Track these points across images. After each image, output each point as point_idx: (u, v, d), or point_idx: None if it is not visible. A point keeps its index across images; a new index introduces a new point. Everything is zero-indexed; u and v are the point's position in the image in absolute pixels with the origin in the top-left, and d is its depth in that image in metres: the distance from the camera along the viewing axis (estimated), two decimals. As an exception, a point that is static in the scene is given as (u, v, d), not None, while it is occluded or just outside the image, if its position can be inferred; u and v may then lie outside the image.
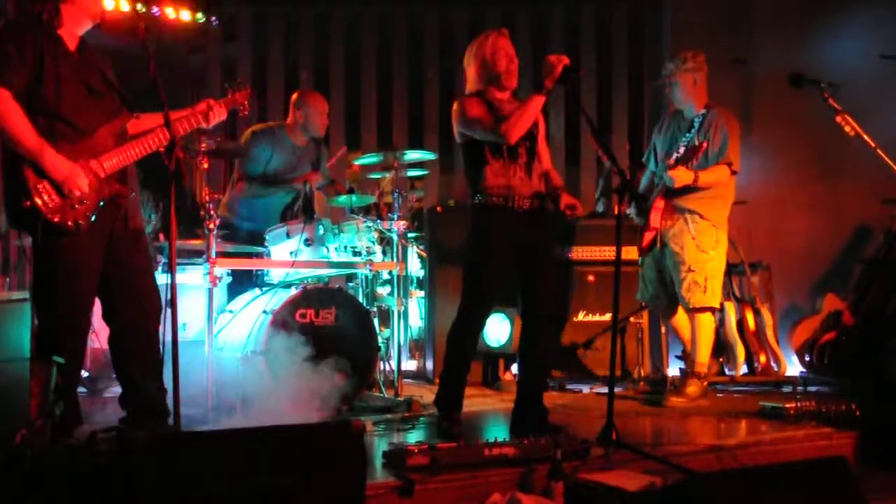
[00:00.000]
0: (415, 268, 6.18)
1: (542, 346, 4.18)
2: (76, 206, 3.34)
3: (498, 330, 5.76)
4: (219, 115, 3.71)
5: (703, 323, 5.05)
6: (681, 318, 5.22)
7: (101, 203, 3.41)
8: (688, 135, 5.01)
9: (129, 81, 3.71)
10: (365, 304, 4.99)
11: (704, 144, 4.88)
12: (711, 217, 4.99)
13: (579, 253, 5.89)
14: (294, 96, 5.60)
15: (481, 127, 4.02)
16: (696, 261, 4.95)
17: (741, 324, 5.97)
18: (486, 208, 4.05)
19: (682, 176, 4.86)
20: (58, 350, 3.28)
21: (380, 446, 3.57)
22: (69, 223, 3.33)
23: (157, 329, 3.68)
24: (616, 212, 4.02)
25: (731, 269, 6.24)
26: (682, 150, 4.97)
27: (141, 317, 3.60)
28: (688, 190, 4.91)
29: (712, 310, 5.09)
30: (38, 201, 3.28)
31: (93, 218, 3.38)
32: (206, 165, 4.52)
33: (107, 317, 3.64)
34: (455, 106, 4.13)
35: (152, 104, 3.47)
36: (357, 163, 5.93)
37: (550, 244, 4.19)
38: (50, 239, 3.35)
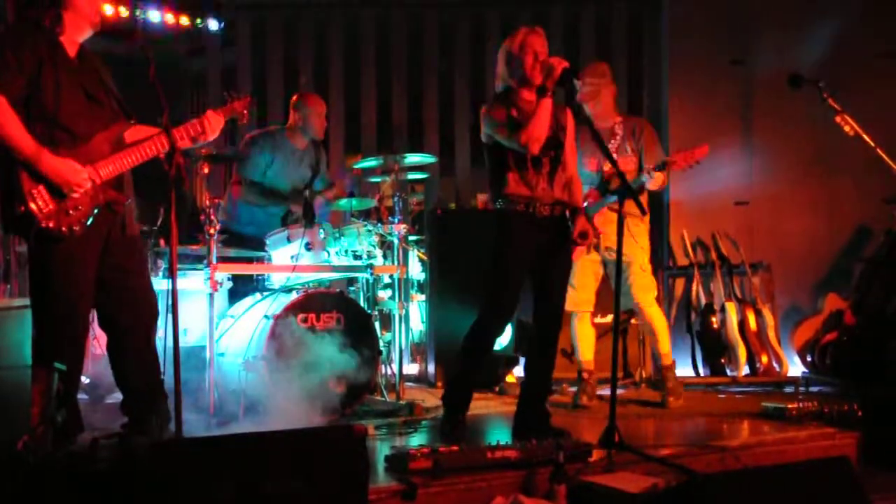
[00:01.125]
0: (416, 271, 6.18)
1: (552, 349, 4.20)
2: (71, 211, 3.33)
3: (499, 332, 5.76)
4: (217, 124, 3.70)
5: (660, 314, 5.16)
6: (584, 325, 5.22)
7: (96, 209, 3.40)
8: (612, 142, 5.04)
9: (127, 87, 3.70)
10: (366, 308, 4.99)
11: (706, 148, 4.87)
12: (644, 219, 5.09)
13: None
14: (293, 99, 5.61)
15: (506, 135, 4.00)
16: (643, 261, 5.09)
17: (742, 324, 5.97)
18: (507, 215, 4.05)
19: (661, 180, 4.92)
20: (57, 356, 3.28)
21: (382, 450, 3.57)
22: (63, 229, 3.32)
23: (155, 334, 3.68)
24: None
25: (733, 270, 6.26)
26: (623, 152, 5.01)
27: (139, 322, 3.60)
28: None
29: None
30: (33, 207, 3.27)
31: (88, 223, 3.38)
32: (206, 170, 4.53)
33: (104, 323, 3.63)
34: (484, 109, 4.12)
35: (151, 110, 3.47)
36: (357, 166, 5.93)
37: (567, 249, 4.19)
38: (44, 245, 3.34)
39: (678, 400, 5.02)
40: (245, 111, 3.86)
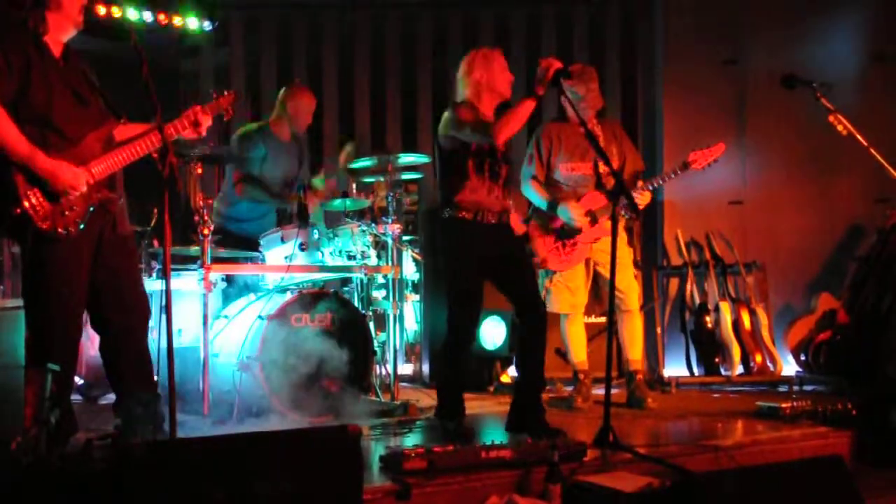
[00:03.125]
0: (410, 271, 6.17)
1: (540, 347, 4.21)
2: (66, 212, 3.33)
3: (494, 332, 5.76)
4: (204, 121, 3.70)
5: (640, 319, 5.18)
6: (576, 326, 5.19)
7: (91, 209, 3.40)
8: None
9: (120, 87, 3.69)
10: (360, 308, 4.98)
11: (723, 146, 4.92)
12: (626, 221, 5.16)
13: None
14: (282, 92, 5.56)
15: (472, 127, 4.05)
16: (631, 260, 5.17)
17: (737, 324, 5.98)
18: (454, 224, 4.12)
19: (648, 198, 5.03)
20: (50, 357, 3.27)
21: (377, 450, 3.57)
22: (59, 230, 3.31)
23: (147, 334, 3.67)
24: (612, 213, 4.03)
25: (727, 269, 6.27)
26: (610, 154, 4.96)
27: (131, 322, 3.59)
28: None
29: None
30: (29, 208, 3.26)
31: (82, 225, 3.37)
32: (199, 171, 4.52)
33: (96, 324, 3.62)
34: (447, 113, 4.17)
35: (144, 110, 3.46)
36: (351, 167, 5.91)
37: (518, 250, 4.32)
38: (39, 246, 3.33)
39: (655, 401, 5.04)
40: (230, 107, 3.86)
